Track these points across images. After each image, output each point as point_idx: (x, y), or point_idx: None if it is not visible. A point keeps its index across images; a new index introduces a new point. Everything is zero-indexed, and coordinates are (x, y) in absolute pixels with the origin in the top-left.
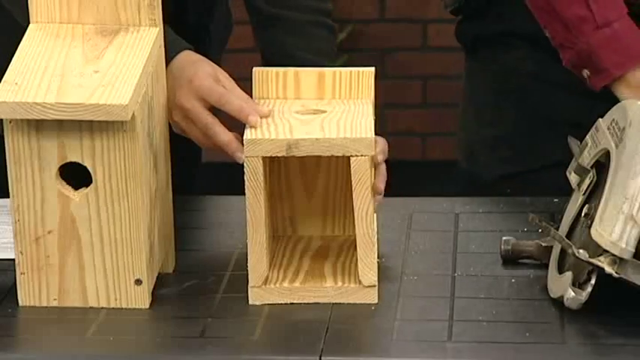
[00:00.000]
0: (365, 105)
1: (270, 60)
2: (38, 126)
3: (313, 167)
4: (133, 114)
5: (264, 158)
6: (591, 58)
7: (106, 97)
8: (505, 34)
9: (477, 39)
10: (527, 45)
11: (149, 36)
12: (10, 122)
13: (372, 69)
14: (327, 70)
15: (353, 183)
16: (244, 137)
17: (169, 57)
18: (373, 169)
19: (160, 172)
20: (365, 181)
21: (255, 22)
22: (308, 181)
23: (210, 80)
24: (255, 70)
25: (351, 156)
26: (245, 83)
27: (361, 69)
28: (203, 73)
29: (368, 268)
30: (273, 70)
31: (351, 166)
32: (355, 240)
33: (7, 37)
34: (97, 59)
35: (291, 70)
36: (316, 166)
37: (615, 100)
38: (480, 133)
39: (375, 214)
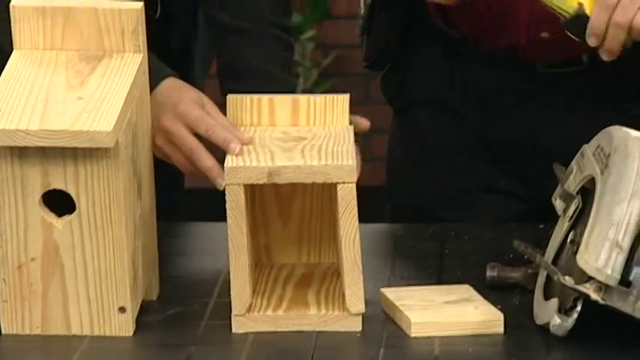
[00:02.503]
0: (346, 131)
1: (227, 68)
2: (21, 153)
3: (289, 194)
4: (117, 140)
5: (245, 185)
6: None
7: (89, 124)
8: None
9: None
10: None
11: (133, 62)
12: None
13: (347, 95)
14: (302, 97)
15: (340, 210)
16: (225, 164)
17: (154, 84)
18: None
19: (144, 198)
20: (352, 209)
21: (215, 33)
22: (283, 209)
23: (198, 108)
24: (230, 97)
25: (337, 183)
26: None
27: (336, 95)
28: (189, 99)
29: (355, 296)
30: (247, 97)
31: (338, 194)
32: (337, 267)
33: None
34: (81, 85)
35: (265, 96)
36: (292, 194)
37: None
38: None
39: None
